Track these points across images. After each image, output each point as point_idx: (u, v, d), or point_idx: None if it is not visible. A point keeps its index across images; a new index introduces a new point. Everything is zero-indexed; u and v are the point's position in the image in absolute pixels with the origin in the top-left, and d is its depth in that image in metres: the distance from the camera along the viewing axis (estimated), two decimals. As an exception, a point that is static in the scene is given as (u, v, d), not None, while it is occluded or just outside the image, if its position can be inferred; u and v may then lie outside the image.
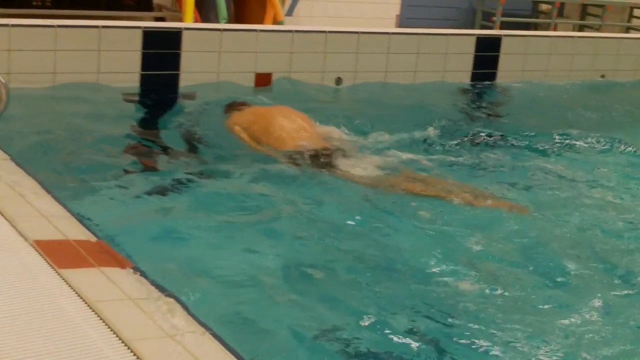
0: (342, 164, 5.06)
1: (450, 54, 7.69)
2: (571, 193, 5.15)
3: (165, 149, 5.19)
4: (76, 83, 5.99)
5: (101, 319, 2.39)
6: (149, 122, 5.83)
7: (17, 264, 2.72)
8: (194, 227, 3.86)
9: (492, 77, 7.99)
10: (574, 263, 4.01)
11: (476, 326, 3.21)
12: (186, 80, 6.44)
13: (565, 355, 3.09)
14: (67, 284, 2.61)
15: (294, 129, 5.37)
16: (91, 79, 6.10)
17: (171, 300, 2.63)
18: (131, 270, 2.82)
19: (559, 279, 3.84)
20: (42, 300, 2.51)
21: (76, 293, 2.56)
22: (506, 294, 3.57)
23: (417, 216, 4.39)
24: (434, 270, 3.72)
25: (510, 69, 8.04)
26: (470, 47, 7.81)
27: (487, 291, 3.57)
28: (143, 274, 2.80)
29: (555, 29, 12.19)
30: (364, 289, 3.45)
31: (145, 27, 6.33)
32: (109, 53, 6.16)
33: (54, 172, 4.27)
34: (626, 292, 3.77)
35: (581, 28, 12.78)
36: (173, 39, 6.38)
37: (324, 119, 5.99)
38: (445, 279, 3.64)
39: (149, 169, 4.82)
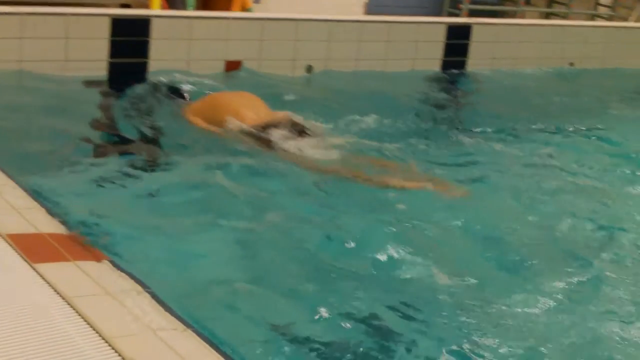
0: (296, 148, 4.98)
1: (420, 42, 7.65)
2: (539, 179, 5.11)
3: (128, 139, 5.10)
4: (43, 72, 5.86)
5: (80, 315, 2.33)
6: (115, 111, 5.71)
7: (-9, 259, 2.65)
8: (162, 217, 3.78)
9: (462, 65, 7.96)
10: (538, 249, 3.98)
11: (435, 316, 3.17)
12: (155, 67, 6.34)
13: (526, 346, 3.06)
14: (43, 279, 2.54)
15: (251, 114, 5.29)
16: (58, 68, 5.99)
17: (150, 295, 2.57)
18: (107, 264, 2.76)
19: (523, 266, 3.80)
20: (18, 297, 2.44)
21: (53, 288, 2.49)
22: (467, 282, 3.51)
23: (368, 203, 4.32)
24: (392, 260, 3.66)
25: (480, 57, 8.02)
26: (440, 35, 7.78)
27: (445, 280, 3.50)
28: (120, 268, 2.74)
29: (522, 17, 12.19)
30: (319, 280, 3.39)
31: (113, 15, 6.22)
32: (77, 41, 6.04)
33: (19, 163, 4.15)
34: (586, 278, 3.72)
35: (548, 16, 12.80)
36: (142, 26, 6.28)
37: (294, 107, 5.89)
38: (405, 269, 3.58)
39: (116, 158, 4.72)
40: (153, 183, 4.22)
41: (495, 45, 8.11)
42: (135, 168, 4.39)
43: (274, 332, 2.98)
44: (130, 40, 6.26)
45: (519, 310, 3.31)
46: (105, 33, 6.13)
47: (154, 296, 2.57)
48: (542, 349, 3.03)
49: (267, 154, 4.90)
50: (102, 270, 2.71)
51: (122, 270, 2.72)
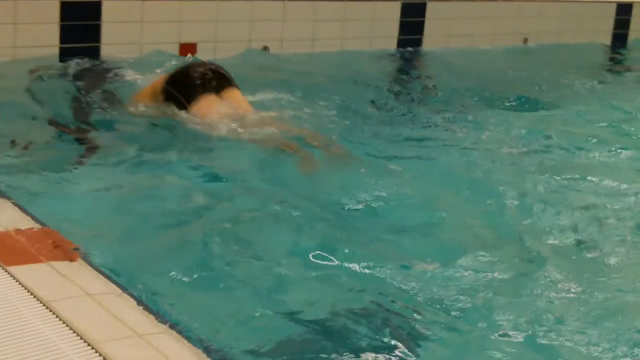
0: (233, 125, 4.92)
1: (376, 20, 7.55)
2: (494, 157, 5.03)
3: (85, 129, 4.92)
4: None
5: (63, 321, 2.18)
6: (69, 97, 5.51)
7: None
8: (129, 211, 3.62)
9: (418, 43, 7.89)
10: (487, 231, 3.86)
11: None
12: (107, 52, 6.14)
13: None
14: (19, 283, 2.39)
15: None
16: (7, 54, 5.76)
17: (130, 296, 2.43)
18: (82, 263, 2.61)
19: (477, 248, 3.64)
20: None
21: (30, 293, 2.33)
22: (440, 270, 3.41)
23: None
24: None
25: (435, 35, 7.94)
26: (395, 13, 7.68)
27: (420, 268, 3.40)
28: (95, 267, 2.59)
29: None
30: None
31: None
32: (25, 26, 5.82)
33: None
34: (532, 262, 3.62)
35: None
36: (92, 9, 6.07)
37: (250, 88, 5.77)
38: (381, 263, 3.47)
39: (77, 149, 4.54)
40: (117, 174, 4.05)
41: (450, 22, 8.04)
42: (99, 160, 4.23)
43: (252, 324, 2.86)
44: (81, 24, 6.04)
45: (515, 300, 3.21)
46: (55, 17, 5.91)
47: (134, 297, 2.44)
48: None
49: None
50: (78, 271, 2.55)
51: (98, 270, 2.57)
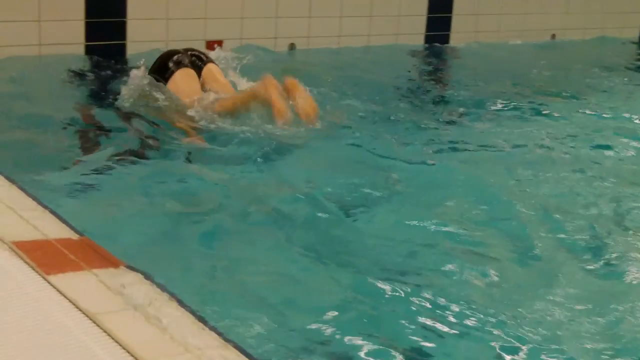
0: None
1: (403, 16, 7.44)
2: (523, 153, 4.98)
3: (115, 130, 4.83)
4: (16, 57, 5.55)
5: (113, 339, 2.08)
6: (97, 99, 5.41)
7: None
8: (165, 212, 3.54)
9: (445, 38, 7.78)
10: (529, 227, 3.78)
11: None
12: (133, 49, 6.05)
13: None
14: (61, 293, 2.28)
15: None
16: (32, 52, 5.67)
17: (179, 304, 2.32)
18: (125, 270, 2.50)
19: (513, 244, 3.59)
20: (35, 315, 2.18)
21: (74, 305, 2.23)
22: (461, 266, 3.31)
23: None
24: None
25: (463, 30, 7.83)
26: (422, 8, 7.58)
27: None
28: (138, 270, 2.48)
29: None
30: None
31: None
32: (50, 23, 5.73)
33: (7, 155, 3.87)
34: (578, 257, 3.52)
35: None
36: (118, 6, 5.98)
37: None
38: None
39: (109, 151, 4.44)
40: (150, 177, 3.95)
41: (478, 17, 7.93)
42: (129, 162, 4.12)
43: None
44: (106, 21, 5.96)
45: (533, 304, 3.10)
46: (80, 14, 5.83)
47: (183, 305, 2.33)
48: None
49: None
50: (121, 278, 2.45)
51: (143, 274, 2.46)
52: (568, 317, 2.93)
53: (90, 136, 4.70)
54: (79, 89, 5.49)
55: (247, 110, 4.79)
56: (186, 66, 5.01)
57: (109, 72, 5.72)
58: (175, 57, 5.02)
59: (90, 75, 5.65)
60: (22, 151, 4.18)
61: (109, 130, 4.72)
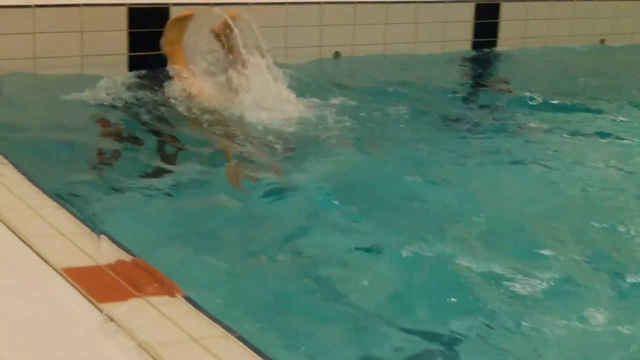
0: None
1: (449, 22, 7.29)
2: (573, 160, 4.85)
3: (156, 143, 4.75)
4: (58, 68, 5.46)
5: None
6: (139, 112, 5.29)
7: (51, 302, 2.26)
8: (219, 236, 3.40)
9: (492, 45, 7.61)
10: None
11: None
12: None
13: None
14: (117, 324, 2.15)
15: None
16: (75, 64, 5.58)
17: (239, 340, 2.18)
18: (182, 299, 2.37)
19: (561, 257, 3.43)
20: (89, 348, 2.05)
21: (132, 337, 2.10)
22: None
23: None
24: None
25: (510, 36, 7.66)
26: (469, 14, 7.41)
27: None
28: (197, 305, 2.35)
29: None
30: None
31: (130, 4, 5.81)
32: (93, 34, 5.64)
33: (50, 175, 3.73)
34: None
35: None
36: (161, 16, 5.86)
37: (322, 94, 5.63)
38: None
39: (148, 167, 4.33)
40: (194, 196, 3.82)
41: (526, 23, 7.76)
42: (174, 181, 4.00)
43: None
44: (149, 31, 5.85)
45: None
46: (123, 25, 5.73)
47: (245, 341, 2.19)
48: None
49: None
50: (179, 308, 2.32)
51: (200, 308, 2.33)
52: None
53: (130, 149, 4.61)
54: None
55: None
56: None
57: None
58: None
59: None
60: (63, 167, 4.08)
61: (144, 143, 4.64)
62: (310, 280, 3.06)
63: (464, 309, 2.91)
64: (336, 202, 3.83)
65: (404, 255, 3.24)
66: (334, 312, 2.86)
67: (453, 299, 2.97)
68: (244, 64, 5.22)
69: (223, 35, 5.25)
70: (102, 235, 2.70)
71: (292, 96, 5.29)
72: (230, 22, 5.22)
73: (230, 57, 5.28)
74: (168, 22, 5.48)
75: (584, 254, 3.44)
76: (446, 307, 2.93)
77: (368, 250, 3.34)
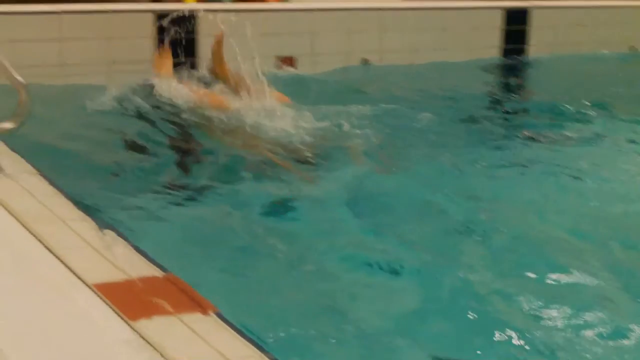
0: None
1: (478, 29, 7.22)
2: (601, 171, 4.78)
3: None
4: (87, 75, 5.43)
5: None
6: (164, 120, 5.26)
7: (81, 317, 2.21)
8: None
9: (522, 51, 7.53)
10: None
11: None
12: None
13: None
14: (149, 343, 2.10)
15: None
16: (100, 71, 5.56)
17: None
18: (215, 318, 2.31)
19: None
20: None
21: (162, 355, 2.05)
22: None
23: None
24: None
25: (540, 43, 7.58)
26: (498, 21, 7.34)
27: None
28: (230, 324, 2.29)
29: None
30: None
31: (157, 10, 5.79)
32: (121, 41, 5.61)
33: (81, 185, 3.70)
34: None
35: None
36: (188, 23, 5.84)
37: (351, 101, 5.58)
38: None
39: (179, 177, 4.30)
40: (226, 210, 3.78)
41: (556, 30, 7.67)
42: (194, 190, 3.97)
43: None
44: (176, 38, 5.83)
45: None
46: (150, 31, 5.71)
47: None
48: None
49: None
50: (211, 326, 2.26)
51: (232, 326, 2.27)
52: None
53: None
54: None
55: None
56: None
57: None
58: None
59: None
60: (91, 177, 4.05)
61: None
62: (333, 297, 3.02)
63: (482, 328, 2.85)
64: (356, 216, 3.79)
65: (421, 271, 3.22)
66: (355, 330, 2.81)
67: (470, 317, 2.91)
68: (248, 91, 5.15)
69: (219, 70, 5.23)
70: (132, 247, 2.66)
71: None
72: (223, 57, 5.28)
73: (233, 86, 5.24)
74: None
75: (612, 272, 3.36)
76: (463, 326, 2.87)
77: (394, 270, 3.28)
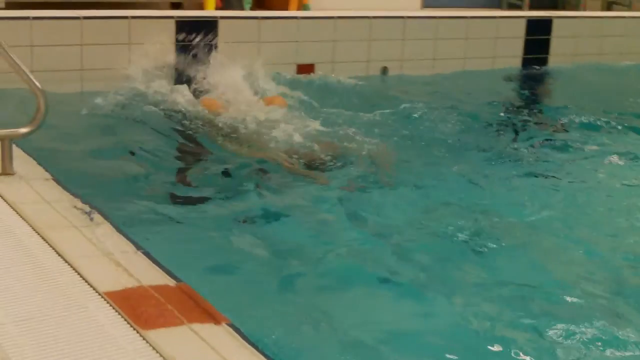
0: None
1: (499, 38, 7.16)
2: (621, 184, 4.71)
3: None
4: (106, 81, 5.42)
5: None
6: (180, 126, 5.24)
7: (92, 326, 2.19)
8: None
9: (543, 61, 7.47)
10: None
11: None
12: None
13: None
14: (160, 354, 2.08)
15: None
16: (121, 75, 5.55)
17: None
18: (227, 328, 2.28)
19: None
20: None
21: (174, 367, 2.02)
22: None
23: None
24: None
25: (562, 52, 7.52)
26: (520, 30, 7.28)
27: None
28: (242, 334, 2.26)
29: (584, 7, 11.71)
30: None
31: (178, 17, 5.78)
32: (141, 46, 5.61)
33: (97, 193, 3.67)
34: None
35: (610, 5, 12.27)
36: (209, 28, 5.82)
37: (368, 109, 5.59)
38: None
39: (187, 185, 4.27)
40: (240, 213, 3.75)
41: (577, 40, 7.60)
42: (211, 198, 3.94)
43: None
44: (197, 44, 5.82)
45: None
46: (171, 37, 5.69)
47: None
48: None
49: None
50: (223, 336, 2.24)
51: (245, 337, 2.24)
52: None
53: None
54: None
55: None
56: None
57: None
58: None
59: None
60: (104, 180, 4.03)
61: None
62: (339, 309, 2.98)
63: (481, 340, 2.81)
64: (360, 226, 3.76)
65: (423, 282, 3.18)
66: (354, 341, 2.78)
67: (468, 328, 2.87)
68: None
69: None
70: (144, 254, 2.63)
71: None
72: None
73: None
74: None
75: (620, 289, 3.33)
76: (460, 337, 2.84)
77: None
